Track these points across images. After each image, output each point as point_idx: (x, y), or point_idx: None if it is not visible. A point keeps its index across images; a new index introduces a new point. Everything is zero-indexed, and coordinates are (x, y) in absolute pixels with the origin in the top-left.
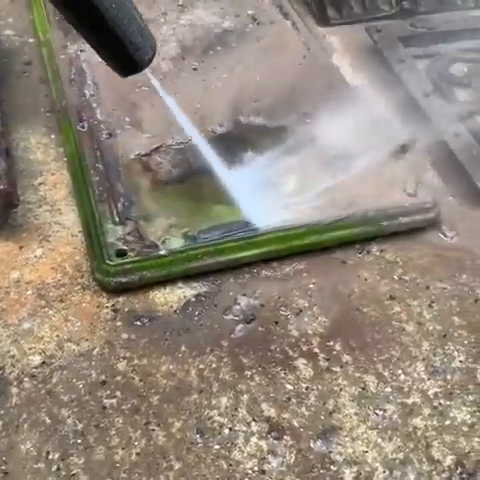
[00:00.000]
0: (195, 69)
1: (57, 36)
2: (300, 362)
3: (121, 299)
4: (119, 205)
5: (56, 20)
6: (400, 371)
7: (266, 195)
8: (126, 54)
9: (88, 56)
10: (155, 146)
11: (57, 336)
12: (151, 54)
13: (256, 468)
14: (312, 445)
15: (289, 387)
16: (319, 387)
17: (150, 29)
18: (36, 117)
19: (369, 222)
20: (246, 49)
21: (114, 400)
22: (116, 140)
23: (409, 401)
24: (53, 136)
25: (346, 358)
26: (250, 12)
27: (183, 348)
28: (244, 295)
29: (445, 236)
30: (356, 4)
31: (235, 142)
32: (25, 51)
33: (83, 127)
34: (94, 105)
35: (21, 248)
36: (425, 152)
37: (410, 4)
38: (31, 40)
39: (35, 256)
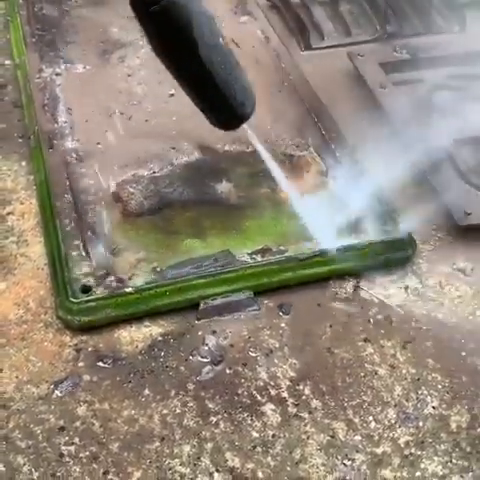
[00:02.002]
0: (172, 95)
1: (33, 59)
2: (268, 407)
3: (85, 338)
4: (87, 238)
5: (33, 42)
6: (371, 418)
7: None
8: (230, 110)
9: (63, 80)
10: (127, 176)
11: (16, 377)
12: (251, 109)
13: None
14: None
15: (255, 434)
16: (286, 435)
17: (128, 52)
18: (8, 143)
19: (344, 259)
20: None
21: (72, 447)
22: (87, 169)
23: (379, 450)
24: (24, 163)
25: (315, 403)
26: (231, 35)
27: (146, 391)
28: (213, 334)
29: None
30: (339, 28)
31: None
32: (0, 73)
33: (54, 154)
34: (66, 132)
35: None
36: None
37: (394, 27)
38: (7, 62)
39: None
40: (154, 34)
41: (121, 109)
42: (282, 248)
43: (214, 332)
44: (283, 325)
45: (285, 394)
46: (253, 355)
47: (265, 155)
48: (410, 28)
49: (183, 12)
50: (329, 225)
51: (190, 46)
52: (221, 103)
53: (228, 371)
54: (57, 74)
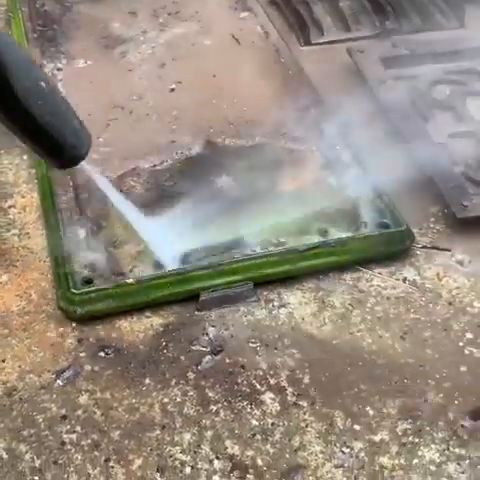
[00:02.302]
0: (173, 90)
1: (34, 54)
2: (267, 396)
3: (86, 328)
4: (88, 230)
5: (34, 38)
6: (369, 407)
7: None
8: (62, 153)
9: (64, 75)
10: (128, 169)
11: (19, 367)
12: (86, 150)
13: None
14: None
15: (254, 423)
16: (285, 423)
17: (130, 47)
18: (9, 137)
19: (343, 251)
20: (226, 69)
21: (74, 435)
22: (88, 162)
23: (377, 438)
24: (25, 157)
25: (314, 392)
26: (231, 31)
27: (147, 381)
28: (213, 325)
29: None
30: (339, 24)
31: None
32: None
33: None
34: None
35: None
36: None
37: (393, 24)
38: None
39: (0, 282)
40: None
41: (122, 103)
42: (282, 240)
43: (214, 323)
44: (282, 316)
45: (284, 383)
46: (252, 345)
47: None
48: (409, 24)
49: None
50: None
51: (7, 92)
52: (52, 146)
53: (228, 361)
54: (58, 69)
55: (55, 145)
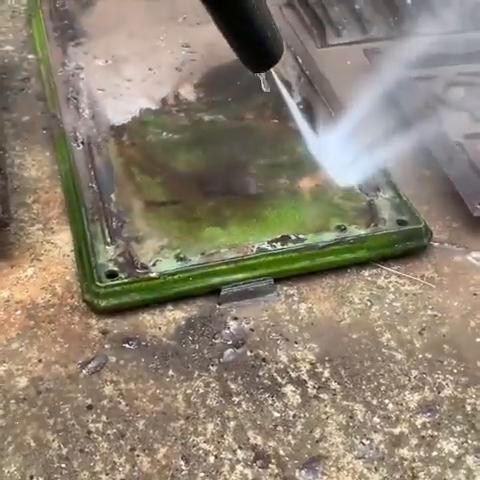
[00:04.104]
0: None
1: (55, 53)
2: (288, 389)
3: (110, 321)
4: (111, 225)
5: (55, 37)
6: (388, 400)
7: None
8: (262, 52)
9: (86, 74)
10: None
11: (45, 358)
12: (280, 55)
13: None
14: (297, 474)
15: (276, 414)
16: (306, 415)
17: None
18: (32, 134)
19: (361, 248)
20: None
21: (100, 424)
22: (111, 160)
23: (396, 431)
24: (48, 153)
25: (334, 385)
26: None
27: (171, 372)
28: (235, 319)
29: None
30: (355, 26)
31: None
32: (24, 67)
33: (78, 146)
34: (90, 124)
35: (12, 267)
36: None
37: (409, 26)
38: (30, 56)
39: (26, 275)
40: None
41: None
42: (301, 236)
43: (235, 317)
44: (302, 311)
45: (305, 376)
46: (273, 339)
47: (287, 98)
48: (425, 25)
49: None
50: (342, 162)
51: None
52: (255, 44)
53: (249, 354)
54: (79, 68)
55: (259, 44)
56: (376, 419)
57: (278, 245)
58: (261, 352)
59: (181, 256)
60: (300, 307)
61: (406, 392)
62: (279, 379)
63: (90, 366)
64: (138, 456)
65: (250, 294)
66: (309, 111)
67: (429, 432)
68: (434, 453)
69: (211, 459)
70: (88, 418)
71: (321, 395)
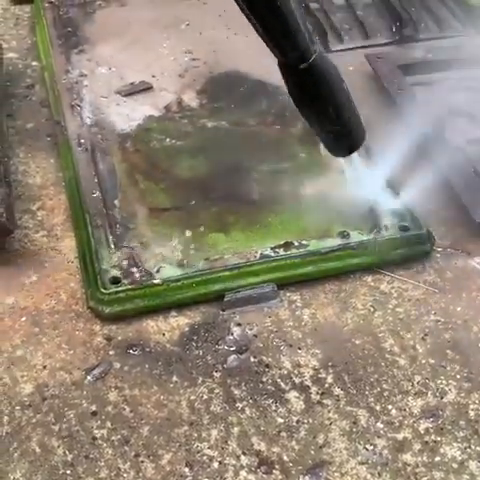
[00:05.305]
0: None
1: (59, 60)
2: (292, 395)
3: (114, 327)
4: (115, 232)
5: (59, 44)
6: (391, 406)
7: None
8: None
9: (89, 82)
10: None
11: (50, 364)
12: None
13: None
14: None
15: (280, 420)
16: (310, 421)
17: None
18: (37, 141)
19: (364, 253)
20: None
21: (104, 431)
22: (115, 167)
23: (400, 436)
24: (52, 160)
25: (338, 391)
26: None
27: (175, 378)
28: (238, 325)
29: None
30: (357, 31)
31: None
32: (28, 74)
33: (82, 152)
34: (94, 131)
35: (17, 274)
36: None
37: (411, 31)
38: (34, 63)
39: (30, 282)
40: None
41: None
42: (304, 242)
43: (239, 323)
44: (305, 317)
45: (308, 382)
46: (277, 345)
47: None
48: (427, 31)
49: None
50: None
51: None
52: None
53: (253, 360)
54: (83, 75)
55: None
56: (379, 424)
57: (281, 251)
58: (264, 358)
59: (184, 262)
60: (303, 313)
61: (409, 397)
62: (282, 385)
63: (95, 372)
64: (142, 462)
65: (253, 300)
66: None
67: (432, 437)
68: (437, 458)
69: (215, 465)
70: (93, 424)
71: (324, 401)
